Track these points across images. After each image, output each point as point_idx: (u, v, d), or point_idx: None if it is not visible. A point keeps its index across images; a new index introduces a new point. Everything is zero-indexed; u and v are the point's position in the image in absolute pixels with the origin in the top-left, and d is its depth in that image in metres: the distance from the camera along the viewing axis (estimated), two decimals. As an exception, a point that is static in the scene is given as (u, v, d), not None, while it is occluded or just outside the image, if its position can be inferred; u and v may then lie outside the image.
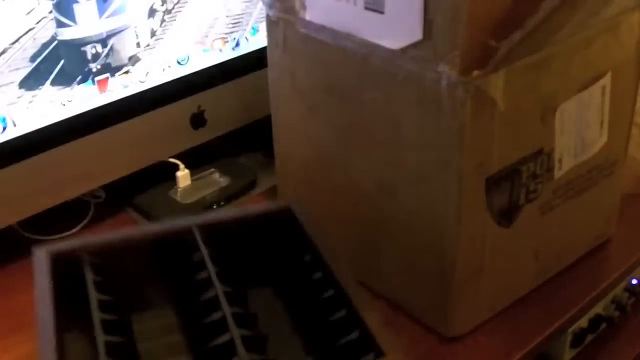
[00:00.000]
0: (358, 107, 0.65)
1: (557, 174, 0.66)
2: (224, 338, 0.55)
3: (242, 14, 0.85)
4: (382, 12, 0.58)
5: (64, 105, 0.74)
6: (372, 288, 0.72)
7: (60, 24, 0.70)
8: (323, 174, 0.72)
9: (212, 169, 0.89)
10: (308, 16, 0.65)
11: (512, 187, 0.63)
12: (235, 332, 0.54)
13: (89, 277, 0.59)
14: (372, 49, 0.61)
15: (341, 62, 0.64)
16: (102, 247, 0.62)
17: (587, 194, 0.72)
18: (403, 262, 0.68)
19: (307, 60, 0.68)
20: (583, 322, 0.77)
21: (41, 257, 0.60)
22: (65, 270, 0.59)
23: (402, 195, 0.65)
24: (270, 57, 0.73)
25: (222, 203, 0.85)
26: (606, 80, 0.67)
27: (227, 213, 0.64)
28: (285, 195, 0.80)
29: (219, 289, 0.57)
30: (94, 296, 0.57)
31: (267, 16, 0.70)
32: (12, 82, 0.69)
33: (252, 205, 0.65)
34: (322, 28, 0.65)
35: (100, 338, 0.54)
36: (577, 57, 0.59)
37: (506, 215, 0.64)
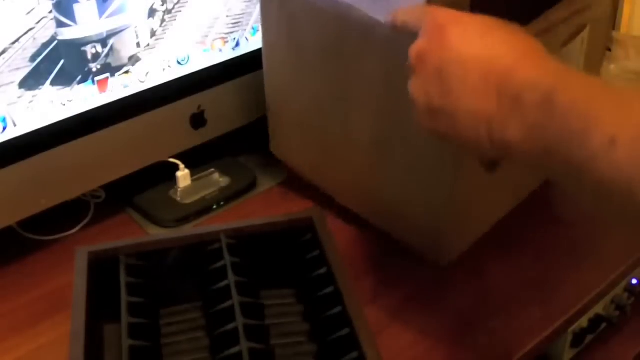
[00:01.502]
0: (355, 68, 0.66)
1: None
2: (234, 350, 0.57)
3: (242, 14, 0.85)
4: None
5: (64, 105, 0.74)
6: (368, 219, 0.76)
7: (60, 24, 0.70)
8: (318, 123, 0.74)
9: (212, 169, 0.89)
10: None
11: None
12: (245, 345, 0.57)
13: (123, 278, 0.63)
14: (372, 25, 0.62)
15: (341, 32, 0.66)
16: (137, 249, 0.66)
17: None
18: (398, 202, 0.71)
19: (306, 22, 0.69)
20: (583, 322, 0.78)
21: (80, 257, 0.64)
22: (103, 269, 0.64)
23: (397, 145, 0.67)
24: (265, 10, 0.73)
25: (222, 203, 0.85)
26: (585, 34, 0.73)
27: (253, 221, 0.70)
28: (278, 145, 0.81)
29: (235, 299, 0.61)
30: (124, 298, 0.61)
31: None
32: (12, 82, 0.69)
33: (277, 215, 0.72)
34: None
35: (126, 343, 0.57)
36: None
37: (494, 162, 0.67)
